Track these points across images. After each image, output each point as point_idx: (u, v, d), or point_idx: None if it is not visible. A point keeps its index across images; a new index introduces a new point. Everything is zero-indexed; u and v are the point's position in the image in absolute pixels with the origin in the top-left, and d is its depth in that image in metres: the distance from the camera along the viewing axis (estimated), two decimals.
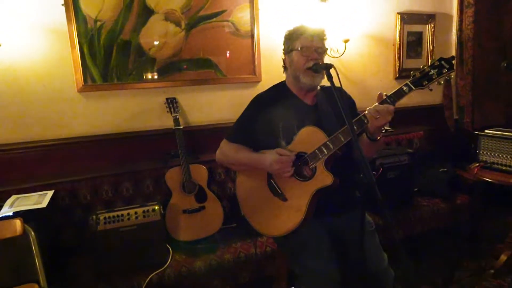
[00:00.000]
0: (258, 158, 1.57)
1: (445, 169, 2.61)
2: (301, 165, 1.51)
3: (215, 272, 1.95)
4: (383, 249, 1.60)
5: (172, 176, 2.14)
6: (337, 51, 2.74)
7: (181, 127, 2.21)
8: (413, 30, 3.07)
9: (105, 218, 1.86)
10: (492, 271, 2.31)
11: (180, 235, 2.07)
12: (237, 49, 2.54)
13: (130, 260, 1.86)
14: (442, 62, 1.36)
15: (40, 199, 1.82)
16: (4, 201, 1.80)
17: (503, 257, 2.34)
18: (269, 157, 1.51)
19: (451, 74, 1.36)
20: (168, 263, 1.91)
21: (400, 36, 3.01)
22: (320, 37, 1.57)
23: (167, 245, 2.01)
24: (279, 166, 1.48)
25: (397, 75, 3.07)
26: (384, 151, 2.45)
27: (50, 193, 1.91)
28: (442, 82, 1.39)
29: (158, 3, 2.29)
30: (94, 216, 1.86)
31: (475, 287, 2.22)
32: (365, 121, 1.40)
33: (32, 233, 1.57)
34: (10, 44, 2.02)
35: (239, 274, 2.02)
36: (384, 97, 1.39)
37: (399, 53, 3.04)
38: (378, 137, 1.44)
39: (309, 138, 1.50)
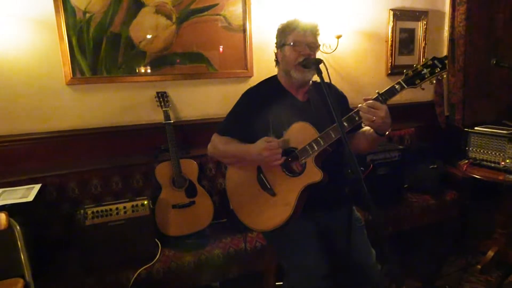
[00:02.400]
0: (247, 148, 1.54)
1: (435, 166, 2.63)
2: (291, 160, 1.51)
3: (205, 267, 1.94)
4: (372, 245, 1.61)
5: (162, 171, 2.12)
6: (330, 46, 2.73)
7: (172, 121, 2.20)
8: (405, 26, 3.07)
9: (93, 212, 1.84)
10: (479, 266, 2.34)
11: (169, 230, 2.06)
12: (229, 44, 2.52)
13: (119, 255, 1.85)
14: (435, 61, 1.36)
15: (27, 193, 1.80)
16: None
17: (490, 253, 2.37)
18: (257, 145, 1.48)
19: (444, 73, 1.36)
20: (157, 258, 1.91)
21: (392, 33, 3.01)
22: (313, 32, 1.56)
23: (156, 240, 2.00)
24: (267, 153, 1.44)
25: (389, 72, 3.07)
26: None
27: (37, 187, 1.89)
28: (435, 82, 1.39)
29: None
30: (82, 211, 1.84)
31: (462, 283, 2.25)
32: (356, 118, 1.39)
33: (18, 227, 1.55)
34: None
35: (229, 269, 2.02)
36: (376, 95, 1.39)
37: (392, 50, 3.04)
38: (387, 133, 1.43)
39: (300, 133, 1.49)
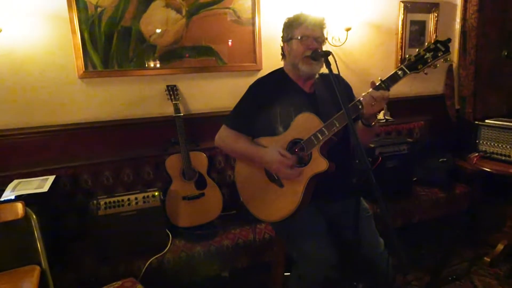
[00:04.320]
0: (257, 153, 1.57)
1: (444, 159, 2.62)
2: (298, 151, 1.53)
3: (214, 257, 1.98)
4: (380, 235, 1.62)
5: (172, 163, 2.16)
6: (339, 39, 2.72)
7: (182, 114, 2.22)
8: (416, 19, 3.04)
9: (105, 203, 1.88)
10: (488, 259, 2.34)
11: (179, 221, 2.10)
12: (238, 37, 2.53)
13: (130, 245, 1.90)
14: (438, 44, 1.34)
15: (42, 184, 1.85)
16: (6, 185, 1.82)
17: (500, 246, 2.36)
18: (270, 154, 1.52)
19: (447, 57, 1.35)
20: (167, 248, 1.95)
21: (403, 25, 2.98)
22: (320, 26, 1.56)
23: (167, 230, 2.04)
24: (278, 167, 1.49)
25: (399, 65, 3.03)
26: (384, 141, 2.45)
27: (51, 178, 1.93)
28: (438, 65, 1.37)
29: None
30: (95, 201, 1.88)
31: (471, 275, 2.24)
32: (360, 106, 1.40)
33: (34, 216, 1.60)
34: (11, 30, 2.02)
35: (238, 260, 2.05)
36: (379, 82, 1.39)
37: (402, 42, 3.01)
38: (373, 123, 1.45)
39: (305, 124, 1.51)
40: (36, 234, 1.61)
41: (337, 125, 1.43)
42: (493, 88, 3.29)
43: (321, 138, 1.46)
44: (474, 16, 3.05)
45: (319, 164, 1.47)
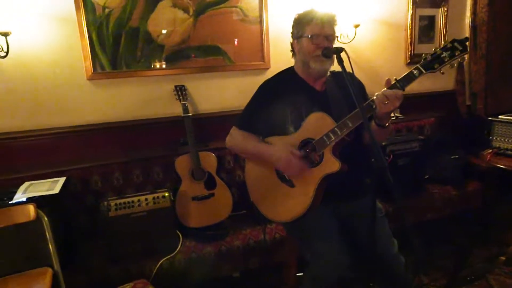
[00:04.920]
0: (267, 151, 1.56)
1: (456, 156, 2.58)
2: (309, 151, 1.50)
3: (225, 258, 1.97)
4: (393, 235, 1.60)
5: (182, 164, 2.15)
6: (347, 36, 2.69)
7: (190, 114, 2.21)
8: (425, 14, 2.99)
9: (116, 204, 1.88)
10: (503, 258, 2.29)
11: (190, 221, 2.09)
12: (246, 36, 2.51)
13: (141, 246, 1.89)
14: (455, 44, 1.31)
15: (53, 186, 1.85)
16: (18, 188, 1.83)
17: None
18: (280, 153, 1.50)
19: (465, 56, 1.32)
20: (178, 248, 1.94)
21: (412, 20, 2.94)
22: (330, 24, 1.54)
23: (177, 231, 2.03)
24: (286, 164, 1.49)
25: (409, 61, 3.01)
26: (395, 138, 2.42)
27: (62, 180, 1.94)
28: (455, 65, 1.35)
29: None
30: (106, 202, 1.88)
31: (487, 274, 2.20)
32: (373, 106, 1.37)
33: (45, 218, 1.60)
34: (20, 32, 2.02)
35: (249, 260, 2.04)
36: (394, 82, 1.36)
37: (411, 38, 2.97)
38: (387, 123, 1.42)
39: (317, 124, 1.48)
40: (47, 236, 1.61)
41: (350, 125, 1.40)
42: (505, 83, 3.23)
43: (333, 138, 1.44)
44: (484, 10, 3.00)
45: (331, 164, 1.45)
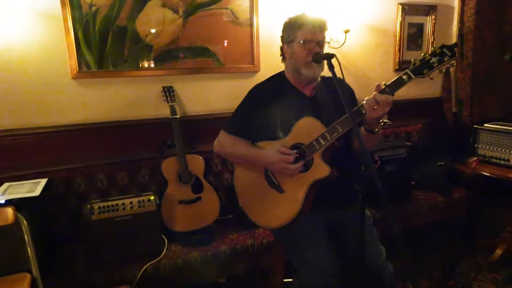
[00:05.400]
0: (258, 154, 1.55)
1: (442, 163, 2.60)
2: (299, 156, 1.49)
3: (211, 263, 1.94)
4: (381, 243, 1.59)
5: (168, 166, 2.11)
6: (337, 41, 2.70)
7: (178, 116, 2.17)
8: (414, 21, 3.03)
9: (99, 207, 1.83)
10: (487, 264, 2.32)
11: (176, 225, 2.05)
12: (236, 38, 2.49)
13: (125, 250, 1.85)
14: (444, 49, 1.32)
15: (33, 187, 1.79)
16: None
17: (498, 251, 2.35)
18: (270, 154, 1.49)
19: (453, 62, 1.33)
20: (163, 253, 1.90)
21: (401, 27, 2.97)
22: (321, 29, 1.53)
23: (163, 235, 1.99)
24: (281, 166, 1.46)
25: (397, 67, 3.04)
26: (382, 144, 2.43)
27: (43, 181, 1.88)
28: (444, 71, 1.35)
29: None
30: (89, 205, 1.83)
31: (471, 281, 2.23)
32: (363, 111, 1.37)
33: (25, 222, 1.53)
34: (2, 29, 1.96)
35: (235, 266, 2.01)
36: (383, 87, 1.36)
37: (400, 45, 3.00)
38: (376, 129, 1.42)
39: (307, 129, 1.47)
40: (26, 240, 1.55)
41: (340, 130, 1.40)
42: (490, 91, 3.29)
43: (323, 143, 1.43)
44: (471, 19, 3.05)
45: (320, 170, 1.44)
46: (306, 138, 1.47)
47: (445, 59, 1.32)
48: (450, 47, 1.32)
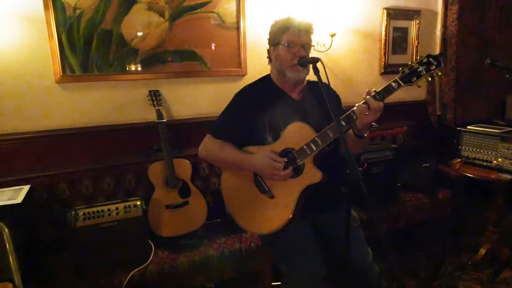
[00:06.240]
0: (247, 160, 1.54)
1: (428, 164, 2.64)
2: (289, 162, 1.49)
3: (199, 268, 1.92)
4: (368, 244, 1.60)
5: (155, 171, 2.09)
6: (324, 45, 2.72)
7: (165, 120, 2.16)
8: (398, 25, 3.08)
9: (84, 214, 1.79)
10: (471, 264, 2.36)
11: (163, 231, 2.02)
12: (223, 42, 2.49)
13: (111, 257, 1.81)
14: (430, 59, 1.36)
15: (15, 195, 1.75)
16: None
17: (482, 251, 2.39)
18: (259, 160, 1.48)
19: (439, 71, 1.36)
20: (150, 259, 1.87)
21: (386, 32, 3.02)
22: (307, 32, 1.54)
23: (149, 241, 1.96)
24: (271, 171, 1.46)
25: (383, 70, 3.08)
26: (369, 147, 2.45)
27: (26, 188, 1.83)
28: (430, 79, 1.39)
29: None
30: (73, 212, 1.79)
31: (456, 281, 2.26)
32: (354, 117, 1.38)
33: (6, 230, 1.50)
34: None
35: (223, 270, 1.99)
36: (373, 94, 1.38)
37: (385, 49, 3.04)
38: (365, 134, 1.43)
39: (297, 134, 1.48)
40: (8, 249, 1.51)
41: (331, 136, 1.41)
42: (473, 94, 3.36)
43: (314, 149, 1.43)
44: (454, 24, 3.12)
45: (312, 175, 1.44)
46: (296, 143, 1.47)
47: (432, 68, 1.36)
48: (435, 57, 1.37)
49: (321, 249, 1.49)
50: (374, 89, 1.39)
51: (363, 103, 1.37)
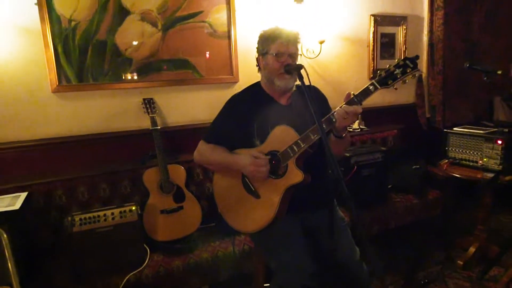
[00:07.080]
0: (233, 159, 1.62)
1: (417, 166, 2.70)
2: (274, 163, 1.55)
3: (193, 271, 1.96)
4: (357, 244, 1.66)
5: (150, 177, 2.14)
6: (313, 52, 2.80)
7: (159, 127, 2.22)
8: (386, 31, 3.16)
9: (80, 219, 1.84)
10: (461, 262, 2.41)
11: (158, 235, 2.07)
12: (215, 50, 2.56)
13: (107, 261, 1.85)
14: (407, 61, 1.41)
15: (13, 201, 1.79)
16: None
17: (472, 249, 2.44)
18: (243, 159, 1.56)
19: (416, 73, 1.42)
20: (145, 263, 1.91)
21: (373, 37, 3.10)
22: (294, 42, 1.61)
23: (145, 245, 2.01)
24: (253, 169, 1.53)
25: (372, 75, 3.15)
26: (359, 149, 2.51)
27: (23, 195, 1.88)
28: (407, 81, 1.44)
29: (134, 3, 2.28)
30: (70, 218, 1.83)
31: (445, 279, 2.31)
32: (333, 120, 1.45)
33: (4, 236, 1.54)
34: None
35: (218, 273, 2.03)
36: (352, 97, 1.44)
37: (373, 54, 3.12)
38: (344, 134, 1.50)
39: (281, 137, 1.54)
40: (7, 254, 1.55)
41: (312, 138, 1.47)
42: (461, 96, 3.44)
43: (296, 150, 1.50)
44: (440, 29, 3.21)
45: (294, 176, 1.50)
46: (281, 145, 1.54)
47: (408, 71, 1.41)
48: (412, 59, 1.41)
49: (309, 247, 1.55)
50: (352, 92, 1.45)
51: (342, 108, 1.43)
